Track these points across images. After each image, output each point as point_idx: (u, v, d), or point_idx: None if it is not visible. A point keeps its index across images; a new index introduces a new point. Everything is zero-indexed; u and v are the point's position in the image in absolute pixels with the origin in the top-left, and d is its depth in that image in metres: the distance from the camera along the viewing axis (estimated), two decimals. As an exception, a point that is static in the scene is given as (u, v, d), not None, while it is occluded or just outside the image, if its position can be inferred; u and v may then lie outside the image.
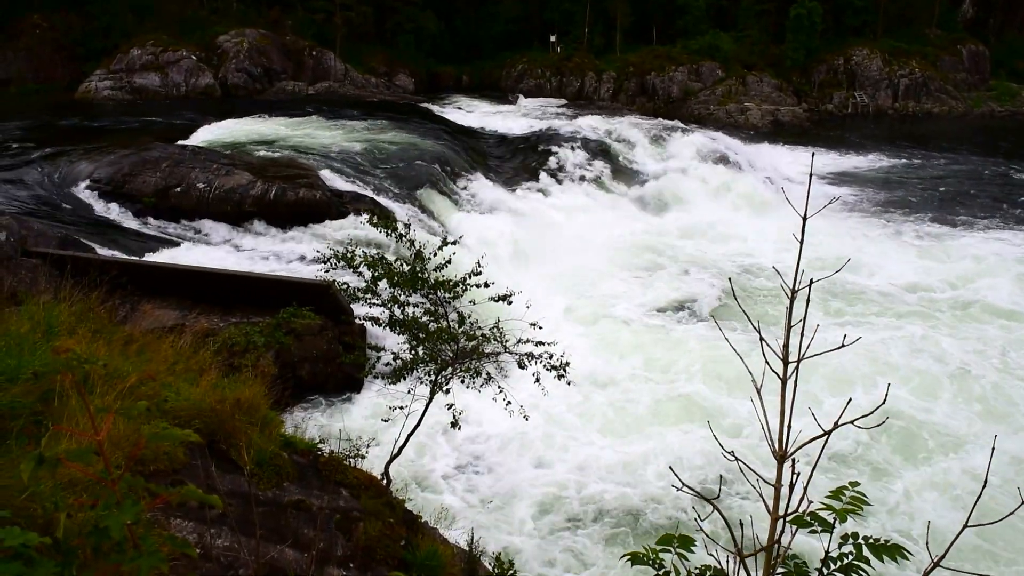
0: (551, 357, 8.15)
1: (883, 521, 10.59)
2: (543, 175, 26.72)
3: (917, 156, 39.21)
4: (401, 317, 8.07)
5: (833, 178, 34.18)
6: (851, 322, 17.88)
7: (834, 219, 25.99)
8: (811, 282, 2.40)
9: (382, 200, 20.19)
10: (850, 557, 2.28)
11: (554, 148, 28.79)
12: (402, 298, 8.04)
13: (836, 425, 2.26)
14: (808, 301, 2.44)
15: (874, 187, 32.41)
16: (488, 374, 8.08)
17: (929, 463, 12.16)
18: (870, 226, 26.40)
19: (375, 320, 8.32)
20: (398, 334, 8.20)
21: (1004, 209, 28.73)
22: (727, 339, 2.90)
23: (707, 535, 2.37)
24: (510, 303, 8.19)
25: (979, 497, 2.41)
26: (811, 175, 2.85)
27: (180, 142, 23.74)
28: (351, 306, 12.80)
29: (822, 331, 2.71)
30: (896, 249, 23.57)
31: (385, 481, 6.62)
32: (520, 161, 28.43)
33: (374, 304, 8.19)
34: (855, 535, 2.32)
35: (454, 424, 7.94)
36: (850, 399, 2.60)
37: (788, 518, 2.26)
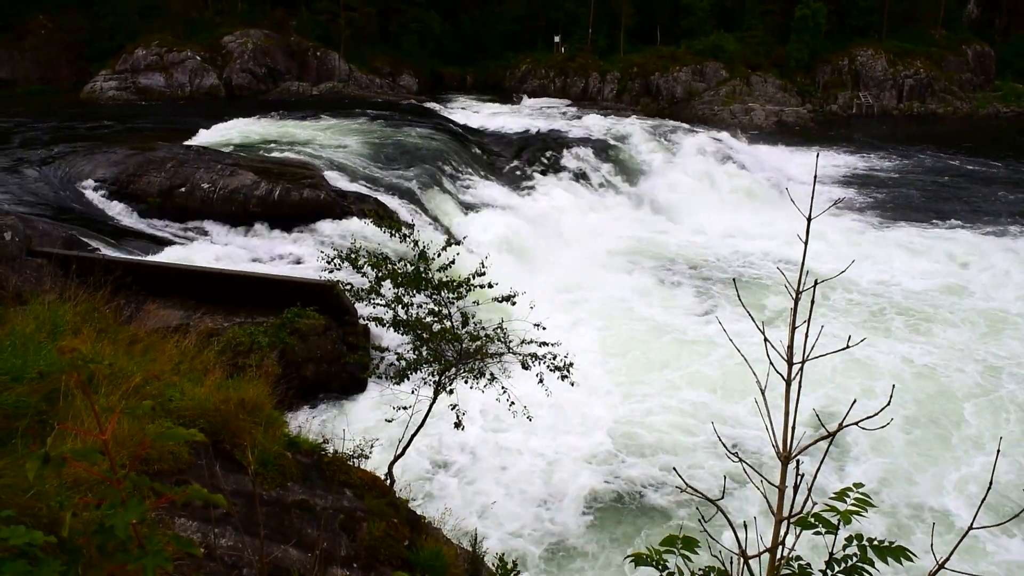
0: (555, 358, 8.13)
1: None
2: (547, 175, 26.73)
3: (922, 157, 39.12)
4: (405, 317, 8.06)
5: (838, 179, 34.11)
6: (854, 323, 17.84)
7: (839, 220, 25.95)
8: (815, 283, 2.39)
9: (386, 200, 20.20)
10: (855, 559, 2.27)
11: (558, 148, 28.79)
12: (406, 298, 8.03)
13: (841, 426, 2.26)
14: (812, 302, 2.43)
15: (879, 188, 32.35)
16: (492, 374, 8.07)
17: (936, 464, 12.14)
18: (874, 227, 26.35)
19: (379, 320, 8.31)
20: (402, 334, 8.19)
21: (1012, 210, 28.64)
22: (732, 341, 2.90)
23: (711, 536, 2.37)
24: (514, 303, 8.18)
25: (984, 499, 2.41)
26: (815, 176, 2.84)
27: (185, 142, 23.79)
28: (355, 306, 12.81)
29: (824, 332, 2.70)
30: (900, 251, 23.51)
31: (389, 481, 6.62)
32: (524, 161, 28.43)
33: (378, 304, 8.18)
34: (859, 536, 2.31)
35: (457, 425, 7.93)
36: (855, 400, 2.60)
37: (792, 519, 2.25)
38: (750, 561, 2.25)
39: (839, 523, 2.26)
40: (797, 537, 2.28)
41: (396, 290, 8.01)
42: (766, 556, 2.27)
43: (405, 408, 7.63)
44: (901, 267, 21.69)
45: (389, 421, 8.00)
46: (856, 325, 17.49)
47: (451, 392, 7.97)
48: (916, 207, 29.12)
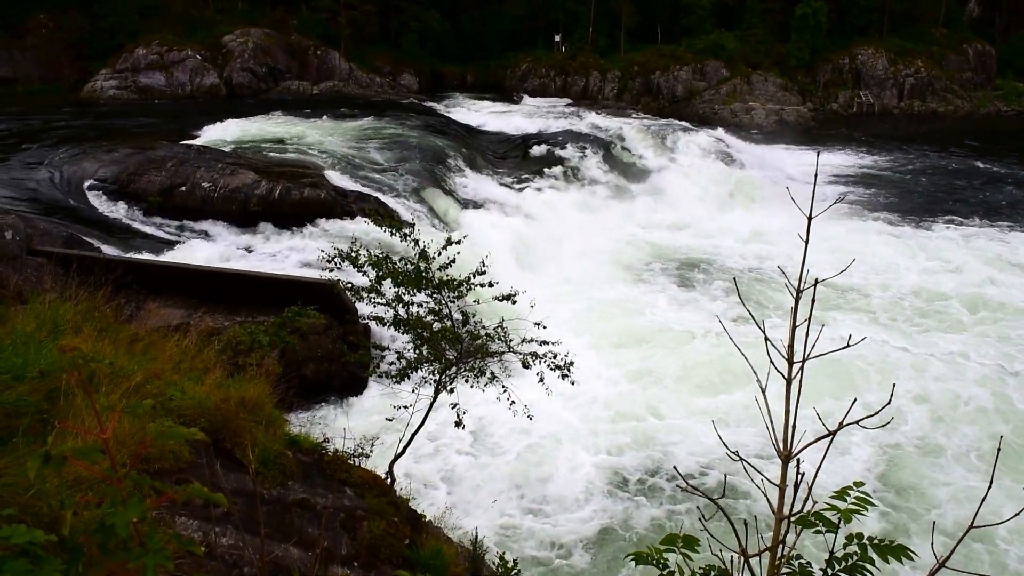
0: (555, 357, 8.13)
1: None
2: (547, 174, 26.72)
3: (923, 156, 39.08)
4: (405, 316, 8.06)
5: (838, 178, 34.08)
6: (854, 322, 17.81)
7: (840, 219, 25.91)
8: (816, 282, 2.39)
9: (387, 199, 20.20)
10: (855, 557, 2.27)
11: (558, 147, 28.77)
12: (406, 297, 8.04)
13: (841, 425, 2.26)
14: (813, 301, 2.43)
15: (879, 187, 32.31)
16: (492, 374, 8.07)
17: (933, 462, 12.12)
18: (875, 226, 26.31)
19: (379, 319, 8.31)
20: (402, 333, 8.19)
21: (1012, 209, 28.59)
22: (732, 340, 2.90)
23: (711, 535, 2.37)
24: (514, 302, 8.18)
25: (984, 498, 2.40)
26: (816, 175, 2.84)
27: (185, 142, 23.78)
28: (355, 305, 12.81)
29: (825, 331, 2.70)
30: (900, 249, 23.47)
31: (389, 480, 6.63)
32: (524, 160, 28.43)
33: (378, 303, 8.18)
34: (860, 535, 2.31)
35: (458, 424, 7.93)
36: (855, 399, 2.59)
37: (793, 518, 2.25)
38: (751, 560, 2.25)
39: (840, 522, 2.25)
40: (798, 536, 2.28)
41: (396, 289, 8.01)
42: (767, 555, 2.27)
43: (406, 407, 7.63)
44: (919, 269, 21.49)
45: (390, 420, 8.00)
46: (906, 327, 17.27)
47: (451, 391, 7.98)
48: (930, 207, 28.90)
